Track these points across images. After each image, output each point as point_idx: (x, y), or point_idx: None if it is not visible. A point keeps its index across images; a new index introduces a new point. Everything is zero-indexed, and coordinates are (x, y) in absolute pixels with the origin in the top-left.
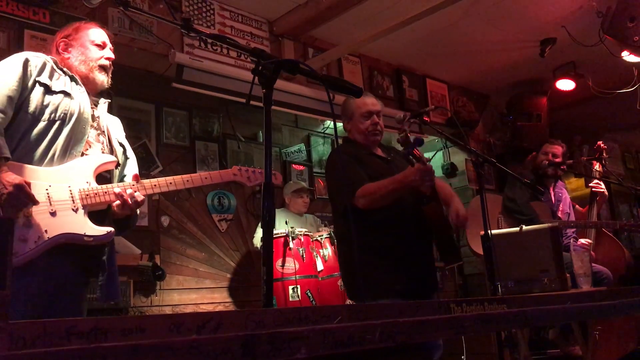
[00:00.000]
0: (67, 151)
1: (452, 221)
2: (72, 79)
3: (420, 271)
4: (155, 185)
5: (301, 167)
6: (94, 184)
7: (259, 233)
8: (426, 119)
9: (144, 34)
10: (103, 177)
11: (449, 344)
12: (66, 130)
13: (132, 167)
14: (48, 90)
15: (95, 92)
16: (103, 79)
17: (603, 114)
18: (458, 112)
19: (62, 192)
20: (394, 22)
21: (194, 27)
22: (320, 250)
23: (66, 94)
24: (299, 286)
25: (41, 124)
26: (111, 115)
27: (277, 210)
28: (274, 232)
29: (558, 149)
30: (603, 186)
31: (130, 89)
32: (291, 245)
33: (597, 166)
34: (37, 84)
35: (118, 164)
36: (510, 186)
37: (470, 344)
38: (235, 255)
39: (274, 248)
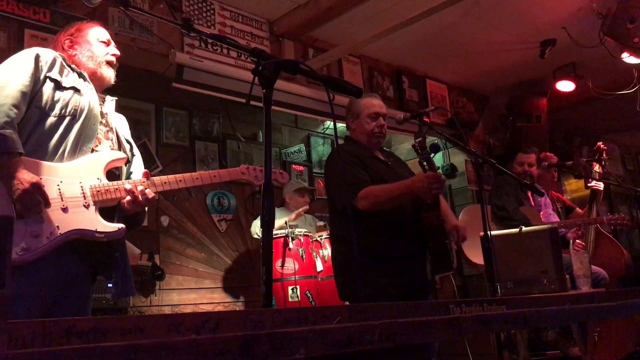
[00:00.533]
0: (78, 147)
1: (452, 238)
2: (80, 75)
3: (416, 276)
4: (165, 182)
5: (301, 168)
6: (105, 180)
7: (256, 222)
8: (426, 119)
9: (144, 34)
10: (112, 174)
11: (450, 345)
12: (77, 127)
13: (139, 165)
14: (58, 86)
15: (102, 89)
16: (110, 75)
17: (603, 116)
18: (458, 113)
19: (74, 188)
20: (394, 22)
21: (194, 27)
22: (320, 251)
23: (76, 90)
24: (298, 287)
25: (51, 120)
26: (117, 113)
27: (276, 209)
28: (274, 231)
29: (532, 157)
30: (602, 186)
31: (130, 89)
32: (291, 245)
33: (596, 167)
34: (47, 80)
35: (128, 161)
36: (497, 194)
37: (470, 345)
38: (234, 255)
39: (273, 248)
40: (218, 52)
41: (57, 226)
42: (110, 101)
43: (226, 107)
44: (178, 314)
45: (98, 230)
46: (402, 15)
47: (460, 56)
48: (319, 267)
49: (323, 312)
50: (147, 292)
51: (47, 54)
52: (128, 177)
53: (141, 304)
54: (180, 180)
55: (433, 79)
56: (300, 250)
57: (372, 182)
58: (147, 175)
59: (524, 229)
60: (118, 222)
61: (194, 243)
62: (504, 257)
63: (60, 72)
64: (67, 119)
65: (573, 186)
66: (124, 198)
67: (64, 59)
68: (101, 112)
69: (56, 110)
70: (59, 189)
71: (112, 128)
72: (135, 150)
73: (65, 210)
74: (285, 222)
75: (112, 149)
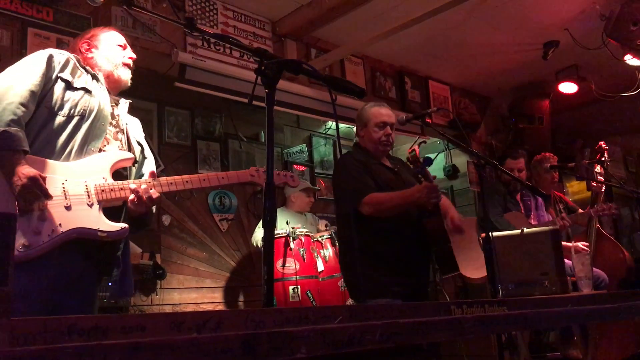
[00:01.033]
0: (85, 147)
1: (448, 226)
2: (94, 77)
3: (416, 277)
4: (171, 183)
5: (302, 168)
6: (110, 180)
7: (257, 232)
8: (428, 120)
9: (147, 33)
10: (120, 174)
11: (451, 346)
12: (85, 126)
13: (149, 166)
14: (69, 86)
15: (117, 91)
16: (127, 77)
17: (605, 118)
18: (460, 114)
19: (78, 186)
20: (397, 23)
21: (197, 26)
22: (321, 251)
23: (87, 90)
24: (299, 286)
25: (60, 119)
26: (131, 116)
27: (277, 209)
28: (275, 232)
29: (522, 162)
30: (602, 187)
31: (133, 88)
32: (292, 245)
33: (598, 168)
34: (58, 80)
35: (135, 162)
36: (482, 205)
37: (470, 346)
38: (235, 255)
39: (274, 248)
40: (221, 51)
41: (60, 224)
42: (124, 103)
43: (228, 106)
44: (180, 313)
45: (100, 229)
46: (405, 16)
47: (462, 57)
48: (320, 267)
49: (324, 312)
50: (148, 291)
51: (61, 55)
52: (139, 179)
53: (142, 303)
54: (187, 182)
55: (435, 80)
56: (301, 250)
57: (378, 189)
58: (153, 175)
59: (525, 230)
60: (124, 222)
61: (195, 242)
62: (505, 259)
63: (73, 73)
64: (76, 118)
65: (575, 188)
66: (129, 198)
67: (78, 60)
68: (112, 114)
69: (65, 110)
70: (64, 187)
71: (122, 129)
72: (148, 153)
73: (68, 208)
74: (287, 222)
75: (121, 150)
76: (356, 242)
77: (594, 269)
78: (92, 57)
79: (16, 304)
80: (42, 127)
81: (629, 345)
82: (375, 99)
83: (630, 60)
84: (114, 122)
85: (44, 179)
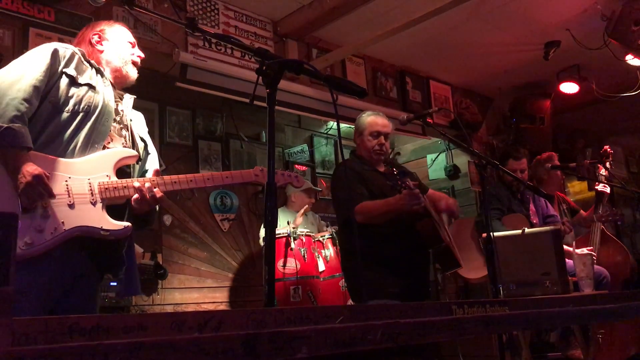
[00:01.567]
0: (89, 144)
1: (442, 208)
2: (98, 71)
3: (414, 279)
4: (175, 182)
5: (304, 168)
6: (114, 178)
7: (263, 231)
8: (429, 120)
9: (148, 33)
10: (124, 172)
11: (452, 346)
12: (89, 123)
13: (153, 163)
14: (74, 82)
15: (123, 86)
16: (134, 74)
17: (606, 118)
18: (461, 114)
19: (82, 184)
20: (398, 23)
21: (199, 26)
22: (322, 251)
23: (91, 86)
24: (300, 287)
25: (64, 115)
26: (135, 111)
27: (278, 210)
28: (276, 232)
29: (524, 163)
30: (608, 189)
31: (134, 88)
32: (293, 245)
33: (602, 170)
34: (63, 75)
35: (139, 159)
36: (483, 206)
37: (471, 347)
38: (237, 254)
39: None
40: (222, 51)
41: (62, 222)
42: (129, 99)
43: (230, 106)
44: (181, 313)
45: (103, 227)
46: (406, 16)
47: (464, 57)
48: (321, 267)
49: (325, 311)
50: (150, 290)
51: (65, 50)
52: (142, 175)
53: (143, 303)
54: (191, 181)
55: (437, 80)
56: (302, 250)
57: (372, 196)
58: (157, 174)
59: (526, 230)
60: (127, 221)
61: (196, 242)
62: (506, 259)
63: (77, 68)
64: (80, 115)
65: (576, 188)
66: (132, 196)
67: (83, 54)
68: (116, 109)
69: (69, 106)
70: (67, 185)
71: (126, 125)
72: (151, 148)
73: (71, 206)
74: (288, 222)
75: (125, 147)
76: (356, 248)
77: (596, 266)
78: (102, 51)
79: (18, 302)
80: (46, 122)
81: (630, 345)
82: (376, 99)
83: (631, 60)
84: (117, 118)
85: (48, 177)
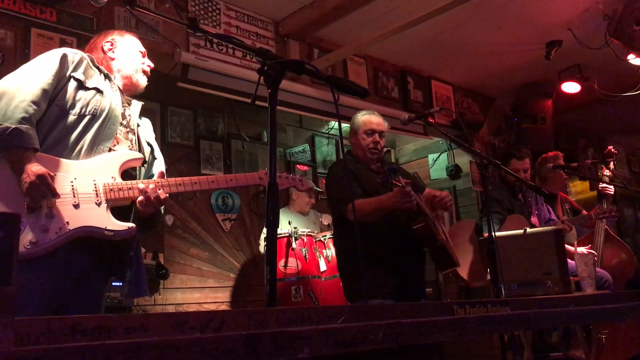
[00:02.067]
0: (95, 146)
1: (436, 202)
2: (107, 77)
3: (409, 278)
4: (179, 184)
5: (305, 168)
6: (119, 179)
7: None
8: (431, 120)
9: (149, 34)
10: (129, 174)
11: (453, 347)
12: (95, 126)
13: (159, 167)
14: (81, 85)
15: (131, 93)
16: (144, 83)
17: (608, 117)
18: (463, 114)
19: (87, 185)
20: (399, 23)
21: (200, 26)
22: (324, 251)
23: (98, 90)
24: (301, 287)
25: (71, 118)
26: (143, 118)
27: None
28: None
29: (527, 162)
30: (612, 189)
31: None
32: (294, 245)
33: (606, 171)
34: (71, 79)
35: (145, 162)
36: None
37: (473, 347)
38: (238, 255)
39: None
40: (223, 51)
41: (67, 222)
42: (137, 105)
43: (231, 106)
44: (183, 313)
45: (107, 228)
46: (407, 15)
47: (465, 57)
48: (323, 267)
49: (327, 311)
50: (151, 291)
51: (74, 55)
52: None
53: (145, 303)
54: (195, 183)
55: (438, 80)
56: (303, 250)
57: (365, 195)
58: (162, 176)
59: (528, 230)
60: (132, 222)
61: (198, 242)
62: (508, 259)
63: (85, 73)
64: (87, 117)
65: (578, 188)
66: (137, 198)
67: (92, 60)
68: (123, 114)
69: (76, 109)
70: (73, 186)
71: (133, 129)
72: (157, 154)
73: (76, 206)
74: (289, 222)
75: (131, 150)
76: (349, 246)
77: (598, 269)
78: (113, 59)
79: (22, 301)
80: (53, 125)
81: (632, 346)
82: (377, 99)
83: (633, 59)
84: (124, 122)
85: (52, 177)
